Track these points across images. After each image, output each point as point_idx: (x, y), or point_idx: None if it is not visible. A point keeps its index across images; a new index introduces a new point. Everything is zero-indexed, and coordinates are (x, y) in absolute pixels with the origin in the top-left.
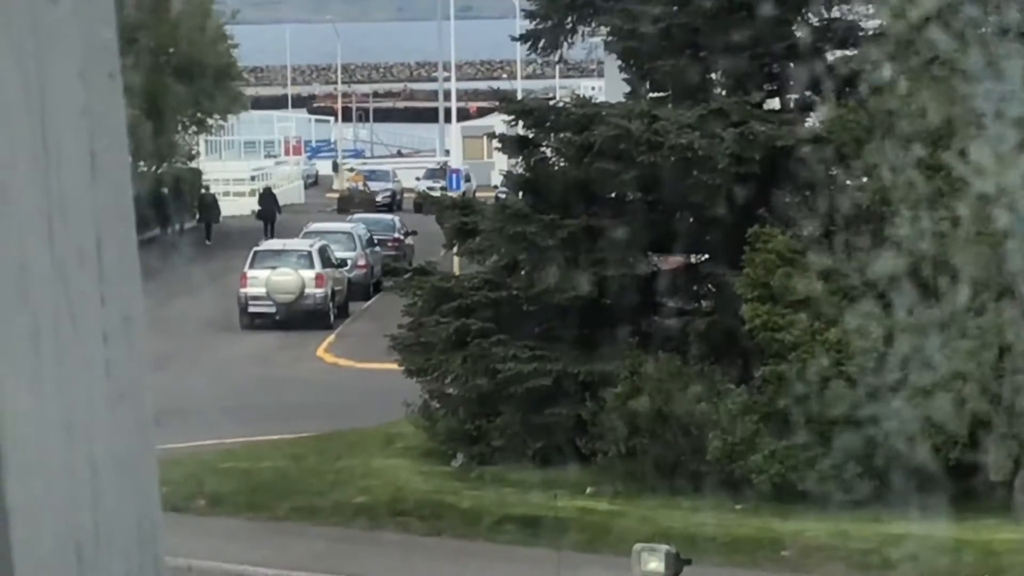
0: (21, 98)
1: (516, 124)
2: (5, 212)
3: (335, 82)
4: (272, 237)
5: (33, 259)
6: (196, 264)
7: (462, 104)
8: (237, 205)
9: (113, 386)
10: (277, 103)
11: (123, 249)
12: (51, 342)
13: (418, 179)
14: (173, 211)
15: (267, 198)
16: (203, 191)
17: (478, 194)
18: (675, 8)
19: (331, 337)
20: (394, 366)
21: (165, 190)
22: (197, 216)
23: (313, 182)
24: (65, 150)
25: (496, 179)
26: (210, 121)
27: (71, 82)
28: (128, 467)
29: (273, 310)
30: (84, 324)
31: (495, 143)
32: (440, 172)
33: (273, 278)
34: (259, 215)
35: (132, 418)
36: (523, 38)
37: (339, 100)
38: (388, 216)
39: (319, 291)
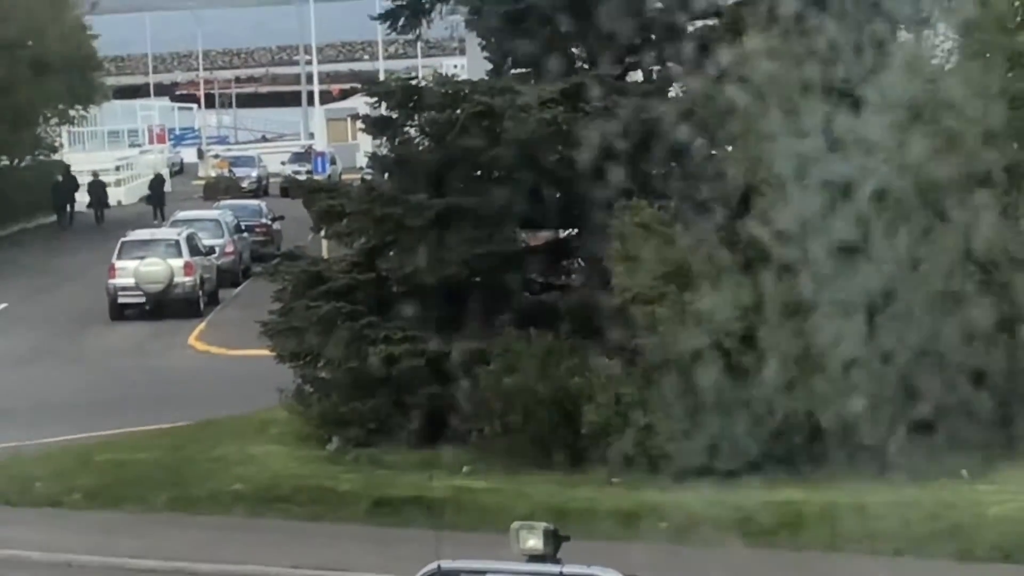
0: None
1: (379, 106)
2: None
3: (197, 69)
4: (163, 220)
5: None
6: (84, 251)
7: (324, 87)
8: None
9: None
10: (139, 92)
11: None
12: None
13: (284, 163)
14: (59, 199)
15: (156, 183)
16: (92, 177)
17: (344, 176)
18: None
19: (202, 325)
20: (266, 352)
21: (60, 177)
22: (88, 202)
23: (178, 170)
24: None
25: (362, 161)
26: (72, 112)
27: None
28: None
29: (143, 300)
30: None
31: (359, 124)
32: (305, 156)
33: (141, 268)
34: (148, 199)
35: None
36: (383, 17)
37: (202, 87)
38: (255, 202)
39: (188, 279)
